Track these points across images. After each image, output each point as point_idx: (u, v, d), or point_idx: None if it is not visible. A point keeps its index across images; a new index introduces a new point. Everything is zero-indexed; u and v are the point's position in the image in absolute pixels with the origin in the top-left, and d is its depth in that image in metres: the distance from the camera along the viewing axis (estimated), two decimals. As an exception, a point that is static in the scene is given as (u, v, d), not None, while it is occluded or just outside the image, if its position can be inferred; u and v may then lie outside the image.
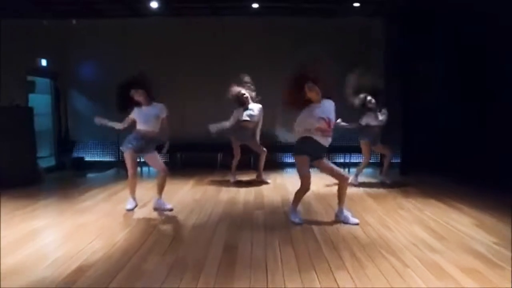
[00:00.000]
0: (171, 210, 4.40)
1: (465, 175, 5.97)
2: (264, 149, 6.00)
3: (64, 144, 7.94)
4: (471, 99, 6.26)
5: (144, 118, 4.28)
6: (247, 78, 5.76)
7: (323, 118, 3.66)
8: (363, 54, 7.41)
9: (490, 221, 3.97)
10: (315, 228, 3.79)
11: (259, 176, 6.16)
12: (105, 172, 7.41)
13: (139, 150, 4.31)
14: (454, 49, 6.53)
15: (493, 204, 4.52)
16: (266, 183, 6.04)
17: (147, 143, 4.32)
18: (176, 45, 7.71)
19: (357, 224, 3.84)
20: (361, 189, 5.57)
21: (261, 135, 6.05)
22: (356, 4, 6.62)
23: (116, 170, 7.39)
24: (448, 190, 5.34)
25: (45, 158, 8.04)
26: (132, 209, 4.40)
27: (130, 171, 4.32)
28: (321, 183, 5.70)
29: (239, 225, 3.93)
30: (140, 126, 4.32)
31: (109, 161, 8.06)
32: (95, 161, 8.11)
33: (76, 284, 2.58)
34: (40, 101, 7.71)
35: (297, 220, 3.95)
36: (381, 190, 5.53)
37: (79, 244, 3.33)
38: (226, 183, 6.09)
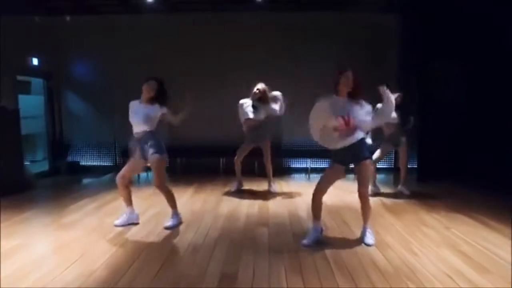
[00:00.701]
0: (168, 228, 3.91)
1: (493, 184, 5.39)
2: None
3: (58, 147, 7.51)
4: (498, 99, 5.68)
5: (139, 115, 3.75)
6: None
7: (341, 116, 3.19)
8: (376, 51, 6.88)
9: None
10: (328, 252, 3.26)
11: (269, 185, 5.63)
12: (102, 178, 6.97)
13: (143, 156, 3.79)
14: (477, 44, 5.93)
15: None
16: (271, 193, 5.53)
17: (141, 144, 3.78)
18: (175, 43, 7.23)
19: (369, 245, 3.39)
20: (376, 199, 5.03)
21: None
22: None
23: (114, 175, 6.93)
24: (477, 203, 4.78)
25: (38, 162, 7.64)
26: (122, 225, 3.94)
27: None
28: (333, 193, 5.16)
29: (239, 247, 3.41)
30: (134, 128, 3.80)
31: (106, 165, 7.61)
32: (91, 165, 7.67)
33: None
34: (32, 102, 7.30)
35: (307, 242, 3.46)
36: (399, 202, 4.98)
37: (55, 269, 2.87)
38: (227, 193, 5.59)
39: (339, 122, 3.16)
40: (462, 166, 6.16)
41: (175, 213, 3.99)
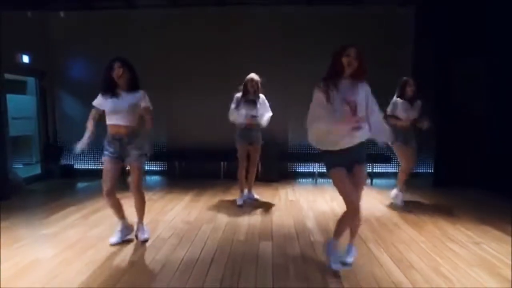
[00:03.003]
0: (145, 241, 3.48)
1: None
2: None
3: (51, 150, 7.11)
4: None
5: (115, 106, 3.20)
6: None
7: (346, 101, 2.52)
8: (390, 46, 6.41)
9: None
10: (341, 272, 2.79)
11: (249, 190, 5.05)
12: (96, 182, 6.55)
13: (119, 157, 3.29)
14: (502, 38, 5.43)
15: None
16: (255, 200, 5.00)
17: (123, 144, 3.27)
18: (175, 42, 6.81)
19: (349, 264, 2.79)
20: (391, 209, 4.55)
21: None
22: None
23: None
24: (506, 213, 4.27)
25: (31, 165, 7.25)
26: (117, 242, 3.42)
27: (104, 187, 3.33)
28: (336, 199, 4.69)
29: (239, 265, 2.96)
30: (109, 120, 3.27)
31: (101, 169, 7.17)
32: (86, 169, 7.26)
33: None
34: (25, 103, 6.92)
35: (336, 265, 2.76)
36: (417, 211, 4.49)
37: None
38: (228, 198, 5.14)
39: (345, 109, 2.50)
40: (481, 171, 5.68)
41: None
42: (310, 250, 3.29)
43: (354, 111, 2.51)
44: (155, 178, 7.00)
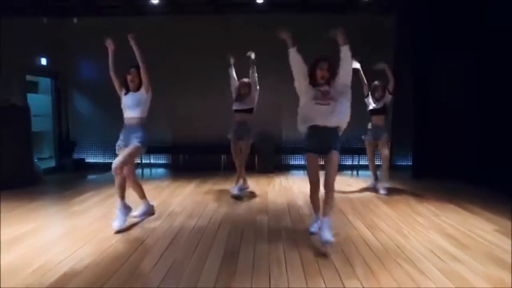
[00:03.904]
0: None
1: (483, 180, 5.60)
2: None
3: (65, 145, 7.75)
4: (491, 98, 5.91)
5: (130, 102, 3.78)
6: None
7: (319, 91, 3.21)
8: (374, 51, 7.13)
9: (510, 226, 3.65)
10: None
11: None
12: (106, 174, 7.19)
13: (125, 146, 3.78)
14: (473, 43, 6.14)
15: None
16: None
17: (130, 133, 3.78)
18: (179, 44, 7.50)
19: (328, 242, 3.02)
20: (372, 194, 5.25)
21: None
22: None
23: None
24: (465, 194, 5.02)
25: (46, 159, 7.87)
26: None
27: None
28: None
29: (241, 230, 3.65)
30: (125, 113, 3.85)
31: (110, 163, 7.82)
32: (96, 162, 7.91)
33: (58, 294, 2.33)
34: (40, 101, 7.55)
35: (314, 229, 3.47)
36: (394, 195, 5.18)
37: (67, 249, 3.09)
38: (229, 186, 5.82)
39: (320, 92, 3.19)
40: (456, 164, 6.37)
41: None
42: (299, 220, 3.98)
43: (325, 93, 3.19)
44: (161, 170, 7.66)
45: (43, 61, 7.05)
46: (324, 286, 2.46)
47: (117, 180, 3.77)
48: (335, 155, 3.26)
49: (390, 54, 7.27)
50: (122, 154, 3.72)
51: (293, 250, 3.09)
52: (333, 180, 3.25)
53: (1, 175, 5.41)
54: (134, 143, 3.72)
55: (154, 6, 6.65)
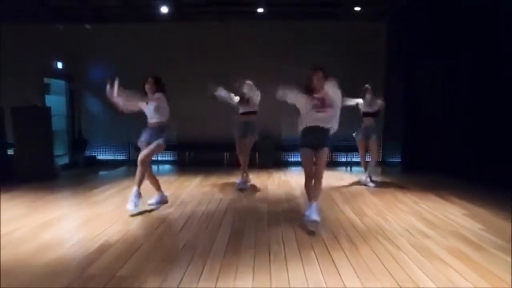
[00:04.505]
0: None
1: (465, 173, 6.12)
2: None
3: (78, 143, 8.28)
4: (470, 99, 6.44)
5: (149, 111, 4.34)
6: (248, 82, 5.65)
7: (316, 99, 3.75)
8: (367, 55, 7.68)
9: (479, 211, 4.24)
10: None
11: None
12: (116, 170, 7.72)
13: (147, 143, 4.32)
14: (456, 50, 6.67)
15: (485, 197, 4.77)
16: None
17: (151, 134, 4.32)
18: (185, 48, 8.04)
19: (316, 221, 3.56)
20: (363, 187, 5.78)
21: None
22: (357, 8, 6.91)
23: (127, 168, 7.70)
24: (445, 186, 5.55)
25: (60, 156, 8.39)
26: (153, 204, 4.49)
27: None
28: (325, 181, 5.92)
29: (244, 215, 4.19)
30: (148, 118, 4.41)
31: (120, 159, 8.39)
32: (107, 159, 8.44)
33: (98, 262, 2.86)
34: (55, 102, 8.07)
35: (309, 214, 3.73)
36: (381, 187, 5.73)
37: (96, 230, 3.62)
38: (233, 180, 6.36)
39: (316, 103, 3.72)
40: (442, 160, 6.90)
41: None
42: (295, 207, 4.53)
43: (322, 102, 3.75)
44: (168, 166, 8.20)
45: (59, 65, 7.59)
46: (315, 257, 2.98)
47: (140, 170, 4.28)
48: (325, 151, 3.81)
49: (382, 59, 7.83)
50: (147, 148, 4.27)
51: (289, 230, 3.63)
52: (322, 171, 3.82)
53: (24, 169, 5.95)
54: (158, 141, 4.28)
55: (162, 13, 7.18)
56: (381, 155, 8.00)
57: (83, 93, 8.42)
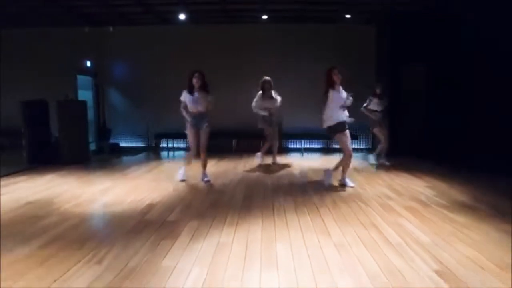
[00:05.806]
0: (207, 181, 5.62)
1: (445, 159, 7.17)
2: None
3: (103, 132, 9.38)
4: (446, 94, 7.52)
5: (195, 100, 5.32)
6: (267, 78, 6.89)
7: (342, 98, 5.10)
8: (358, 57, 8.72)
9: (439, 184, 5.33)
10: (309, 186, 5.17)
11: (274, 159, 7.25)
12: (137, 156, 8.82)
13: (195, 125, 5.41)
14: (439, 51, 7.71)
15: (449, 176, 5.86)
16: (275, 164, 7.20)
17: (198, 120, 5.38)
18: (199, 48, 9.08)
19: (352, 187, 5.16)
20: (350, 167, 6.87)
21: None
22: (348, 16, 7.94)
23: (147, 154, 8.80)
24: (419, 167, 6.64)
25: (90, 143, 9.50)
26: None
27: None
28: (316, 163, 7.04)
29: (253, 185, 5.32)
30: (190, 107, 5.39)
31: (141, 146, 9.51)
32: (129, 146, 9.56)
33: (150, 213, 4.00)
34: (84, 96, 9.16)
35: (328, 182, 5.32)
36: (369, 169, 6.82)
37: (142, 195, 4.76)
38: (241, 163, 7.47)
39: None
40: (426, 147, 7.95)
41: (205, 172, 5.63)
42: (296, 181, 5.63)
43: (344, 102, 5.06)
44: (181, 152, 9.29)
45: (88, 63, 8.67)
46: (306, 211, 4.09)
47: (191, 154, 5.59)
48: (340, 135, 5.18)
49: (373, 61, 8.86)
50: (203, 139, 5.47)
51: (289, 196, 4.75)
52: (349, 149, 5.22)
53: (66, 153, 7.06)
54: (206, 128, 5.43)
55: (178, 17, 8.22)
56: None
57: (107, 87, 9.50)
